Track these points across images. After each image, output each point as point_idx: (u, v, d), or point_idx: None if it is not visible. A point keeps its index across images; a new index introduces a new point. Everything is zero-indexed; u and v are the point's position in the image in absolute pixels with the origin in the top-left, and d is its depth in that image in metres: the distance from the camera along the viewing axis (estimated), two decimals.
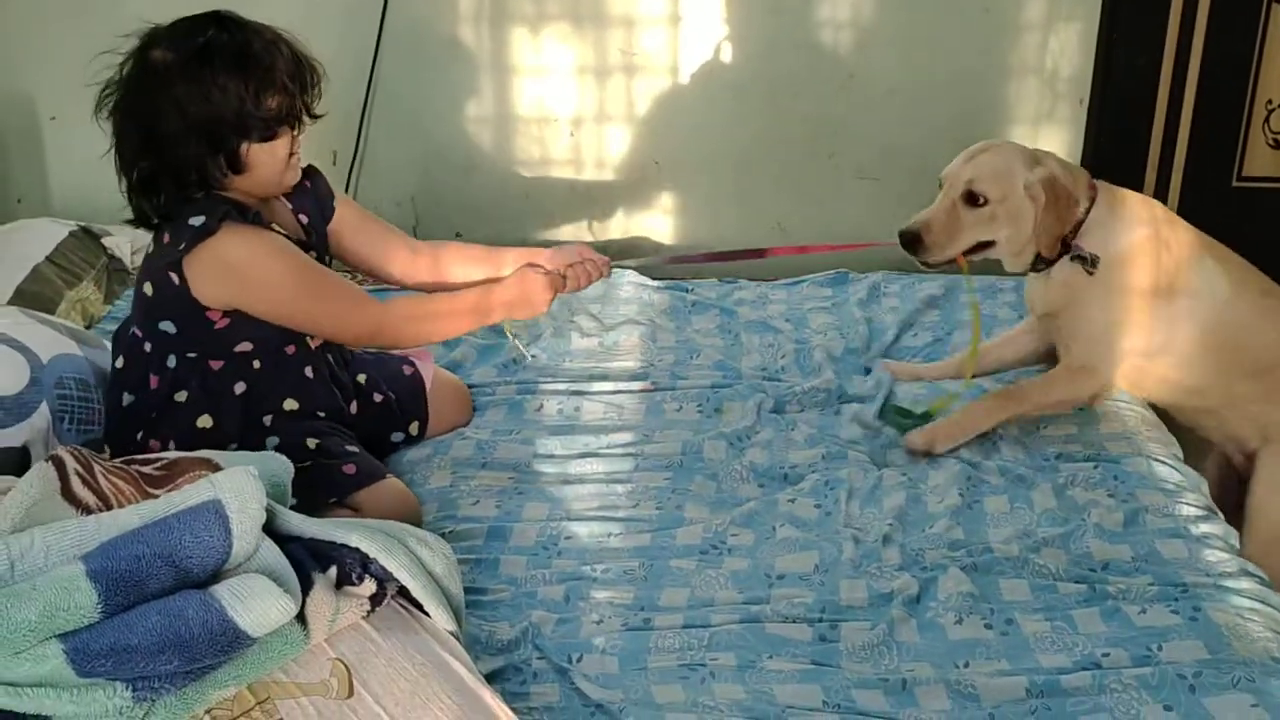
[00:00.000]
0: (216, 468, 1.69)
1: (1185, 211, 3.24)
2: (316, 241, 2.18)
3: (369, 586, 1.53)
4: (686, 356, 2.65)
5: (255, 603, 1.38)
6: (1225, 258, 2.36)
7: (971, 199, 2.25)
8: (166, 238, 2.01)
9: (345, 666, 1.47)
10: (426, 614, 1.58)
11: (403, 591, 1.57)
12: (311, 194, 2.19)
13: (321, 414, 2.17)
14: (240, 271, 1.98)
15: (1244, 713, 1.60)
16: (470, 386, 2.51)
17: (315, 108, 2.05)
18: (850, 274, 3.01)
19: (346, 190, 3.41)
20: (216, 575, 1.44)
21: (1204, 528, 2.02)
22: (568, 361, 2.63)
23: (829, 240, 3.17)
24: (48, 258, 2.86)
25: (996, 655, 1.75)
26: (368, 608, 1.53)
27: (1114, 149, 3.27)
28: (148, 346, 2.09)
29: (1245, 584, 1.87)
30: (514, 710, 1.50)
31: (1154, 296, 2.29)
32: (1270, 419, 2.32)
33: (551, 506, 2.13)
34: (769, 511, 2.09)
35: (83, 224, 3.10)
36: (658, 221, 3.44)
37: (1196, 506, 2.08)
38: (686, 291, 2.93)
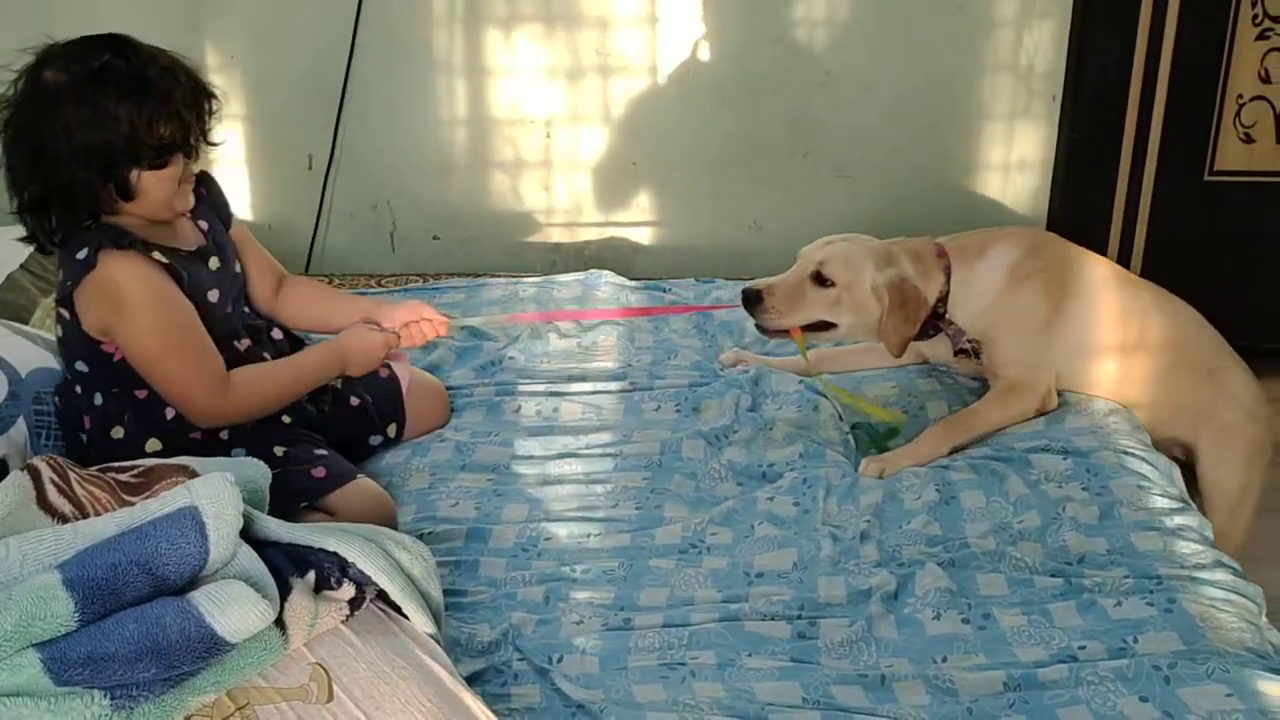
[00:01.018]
0: (194, 474, 1.69)
1: (1158, 206, 3.29)
2: (218, 247, 2.14)
3: (347, 590, 1.53)
4: (664, 356, 2.66)
5: (233, 609, 1.37)
6: (1101, 261, 2.44)
7: (820, 279, 2.30)
8: (61, 273, 2.02)
9: (325, 671, 1.46)
10: (406, 617, 1.58)
11: (382, 595, 1.57)
12: (208, 200, 2.17)
13: (285, 418, 2.16)
14: (114, 297, 1.96)
15: (1219, 702, 1.61)
16: (448, 388, 2.51)
17: (211, 134, 2.04)
18: None
19: (323, 193, 3.41)
20: (194, 582, 1.43)
21: (1178, 520, 2.03)
22: (545, 363, 2.63)
23: (808, 237, 3.19)
24: (21, 265, 2.85)
25: (974, 649, 1.76)
26: (346, 612, 1.53)
27: (1087, 145, 3.30)
28: (78, 389, 2.09)
29: (1219, 575, 1.89)
30: (495, 712, 1.50)
31: (1049, 317, 2.34)
32: (1198, 407, 2.40)
33: (531, 508, 2.14)
34: (747, 510, 2.10)
35: None
36: (636, 222, 3.44)
37: (1169, 499, 2.10)
38: (664, 291, 2.93)
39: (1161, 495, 2.10)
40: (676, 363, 2.64)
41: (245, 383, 2.06)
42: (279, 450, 2.08)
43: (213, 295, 2.09)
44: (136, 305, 1.96)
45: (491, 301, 2.90)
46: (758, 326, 2.35)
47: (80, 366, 2.07)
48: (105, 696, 1.31)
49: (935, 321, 2.36)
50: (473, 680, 1.67)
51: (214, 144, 2.05)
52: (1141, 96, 3.23)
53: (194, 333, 2.02)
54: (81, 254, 1.95)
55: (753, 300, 2.30)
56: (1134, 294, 2.42)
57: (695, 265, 3.24)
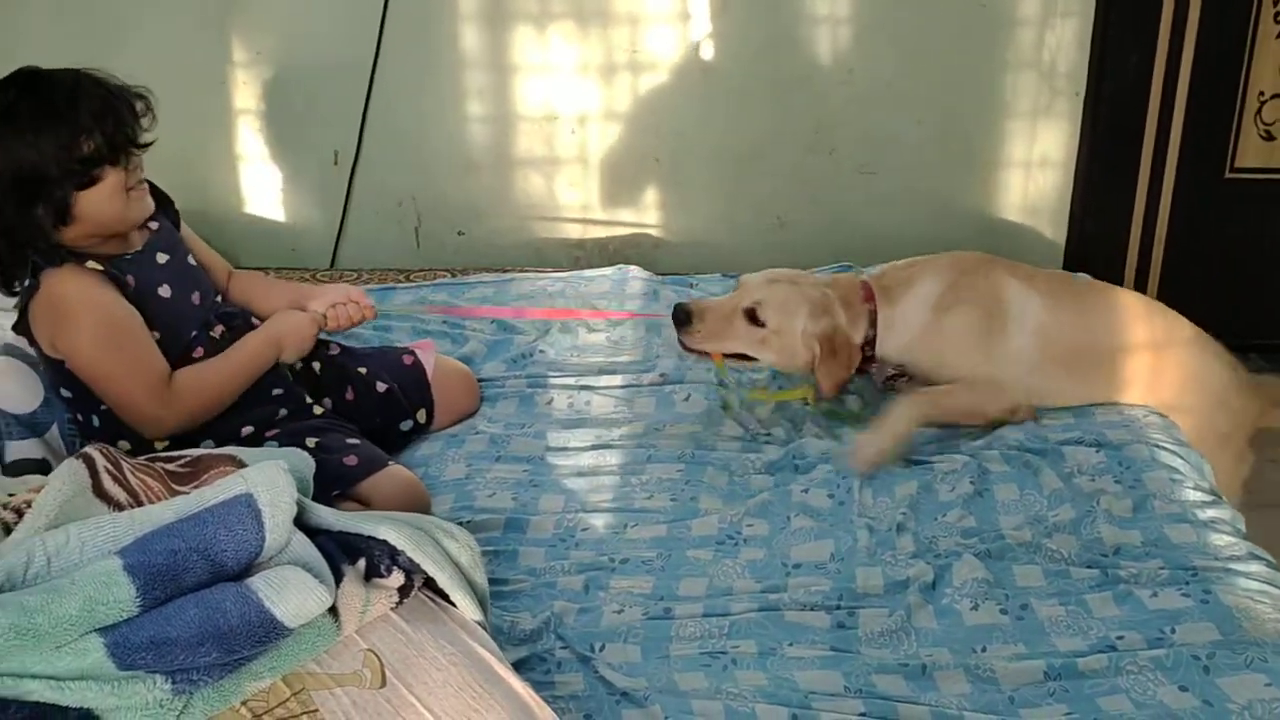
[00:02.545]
0: (240, 464, 1.70)
1: (1179, 203, 3.30)
2: (165, 243, 2.15)
3: (397, 578, 1.54)
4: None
5: (291, 594, 1.39)
6: (1031, 275, 2.42)
7: (752, 317, 2.31)
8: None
9: (377, 657, 1.48)
10: (453, 604, 1.59)
11: (429, 583, 1.59)
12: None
13: (278, 390, 2.17)
14: (54, 312, 2.00)
15: (1258, 692, 1.63)
16: (480, 381, 2.53)
17: (143, 136, 2.03)
18: (854, 266, 3.03)
19: (348, 189, 3.42)
20: (249, 568, 1.45)
21: (1210, 513, 2.05)
22: (575, 356, 2.65)
23: (831, 233, 3.22)
24: None
25: (1013, 639, 1.78)
26: (396, 599, 1.55)
27: (1109, 143, 3.31)
28: (79, 416, 2.12)
29: (1254, 567, 1.90)
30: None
31: (983, 338, 2.34)
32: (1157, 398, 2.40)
33: (567, 498, 2.15)
34: (783, 502, 2.12)
35: None
36: (659, 218, 3.46)
37: (1201, 492, 2.11)
38: (690, 286, 2.95)
39: (1194, 489, 2.11)
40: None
41: (185, 385, 2.07)
42: (310, 441, 2.09)
43: (164, 291, 2.10)
44: (73, 314, 1.99)
45: (520, 296, 2.91)
46: (680, 341, 2.35)
47: (65, 393, 2.10)
48: (166, 681, 1.33)
49: (863, 363, 2.37)
50: (517, 667, 1.67)
51: (142, 146, 2.03)
52: (1163, 94, 3.24)
53: (133, 337, 2.03)
54: (26, 280, 2.00)
55: (682, 320, 2.31)
56: (1060, 303, 2.39)
57: (718, 261, 3.25)
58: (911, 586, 1.88)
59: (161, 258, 2.12)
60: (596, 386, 2.53)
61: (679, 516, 2.10)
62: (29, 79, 1.98)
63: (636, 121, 3.36)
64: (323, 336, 2.28)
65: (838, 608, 1.85)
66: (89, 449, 1.61)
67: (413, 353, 2.42)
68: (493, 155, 3.42)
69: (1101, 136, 3.31)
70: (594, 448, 2.32)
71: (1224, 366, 2.44)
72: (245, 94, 3.37)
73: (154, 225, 2.14)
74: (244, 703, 1.39)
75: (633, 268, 3.01)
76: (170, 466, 1.72)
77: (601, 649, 1.77)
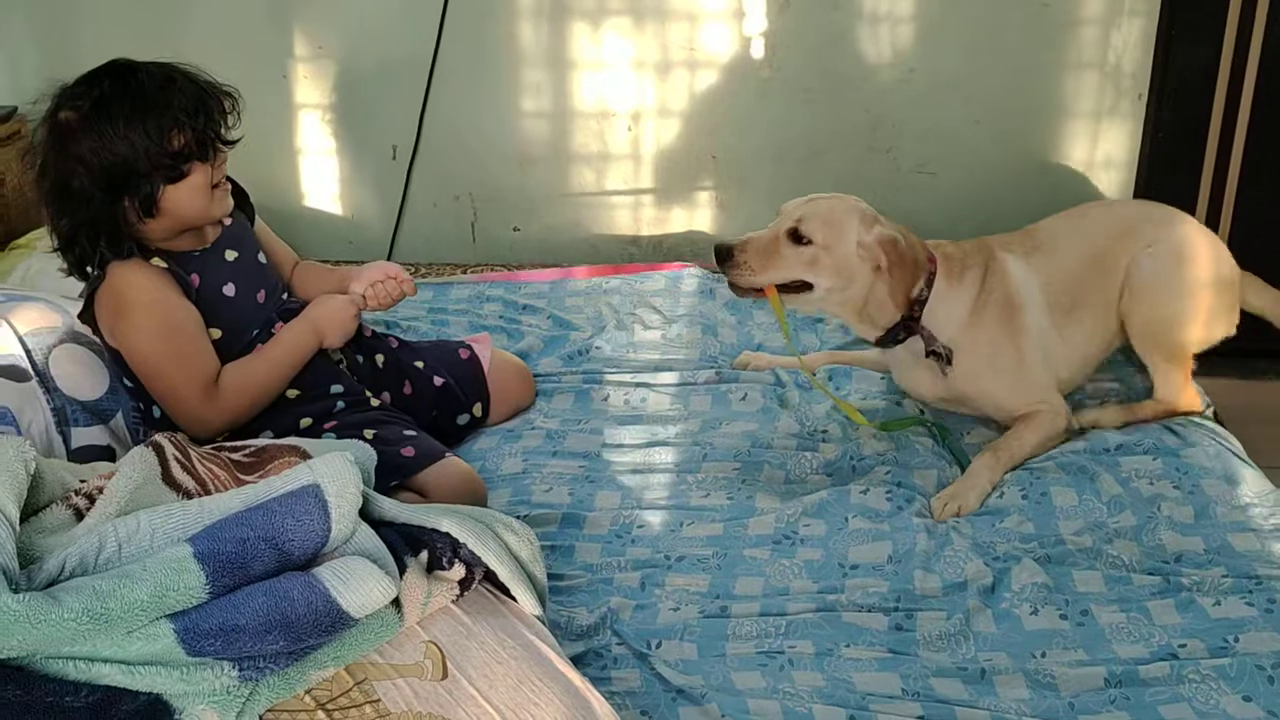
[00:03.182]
0: (305, 455, 1.72)
1: (1243, 204, 3.25)
2: (236, 239, 2.18)
3: (458, 571, 1.56)
4: (750, 348, 2.67)
5: (357, 584, 1.40)
6: (1011, 242, 2.42)
7: (796, 236, 2.19)
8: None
9: (438, 649, 1.49)
10: (512, 598, 1.60)
11: (488, 576, 1.60)
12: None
13: (336, 386, 2.19)
14: (115, 305, 2.03)
15: None
16: (536, 376, 2.54)
17: (230, 133, 2.07)
18: None
19: (406, 183, 3.45)
20: (315, 558, 1.47)
21: (1273, 521, 2.02)
22: (631, 353, 2.65)
23: None
24: None
25: (1073, 645, 1.76)
26: (457, 592, 1.56)
27: (1172, 143, 3.26)
28: (141, 406, 2.15)
29: None
30: None
31: (1014, 341, 2.31)
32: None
33: (623, 495, 2.16)
34: (840, 502, 2.11)
35: None
36: (714, 216, 3.45)
37: (1262, 499, 2.08)
38: None
39: (1254, 496, 2.08)
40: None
41: (230, 384, 2.08)
42: (368, 433, 2.11)
43: (228, 289, 2.12)
44: (132, 310, 2.02)
45: (576, 293, 2.93)
46: (730, 285, 2.23)
47: (127, 383, 2.13)
48: (234, 668, 1.35)
49: (909, 323, 2.27)
50: (574, 662, 1.69)
51: (229, 143, 2.08)
52: (1228, 94, 3.19)
53: (187, 338, 2.06)
54: (94, 272, 2.04)
55: (724, 256, 2.19)
56: (1046, 252, 2.39)
57: None
58: (970, 590, 1.87)
59: (230, 254, 2.15)
60: (652, 384, 2.53)
61: (735, 515, 2.10)
62: (122, 71, 2.00)
63: (693, 119, 3.36)
64: (367, 317, 2.30)
65: (895, 609, 1.85)
66: (158, 437, 1.64)
67: (469, 347, 2.43)
68: (549, 151, 3.42)
69: (1165, 137, 3.26)
70: (649, 445, 2.32)
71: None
72: (307, 88, 3.40)
73: (227, 221, 2.17)
74: (308, 691, 1.41)
75: (691, 266, 3.00)
76: (236, 456, 1.74)
77: (658, 646, 1.78)
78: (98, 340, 2.16)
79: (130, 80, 1.99)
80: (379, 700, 1.42)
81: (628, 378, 2.55)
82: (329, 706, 1.41)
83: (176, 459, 1.60)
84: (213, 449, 1.75)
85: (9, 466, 1.43)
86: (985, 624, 1.81)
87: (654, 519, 2.09)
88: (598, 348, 2.66)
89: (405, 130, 3.40)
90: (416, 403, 2.31)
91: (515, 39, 3.32)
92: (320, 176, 3.49)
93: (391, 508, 1.59)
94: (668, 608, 1.86)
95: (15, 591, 1.30)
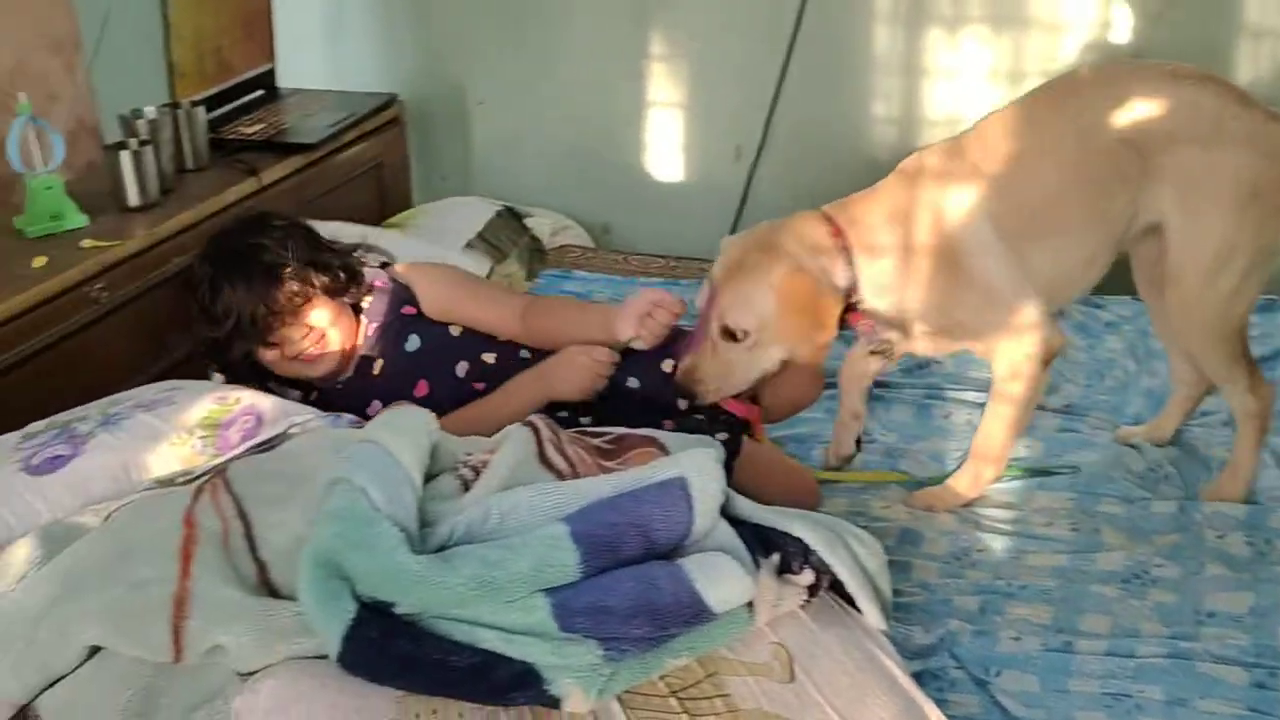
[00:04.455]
0: (661, 446, 1.78)
1: None
2: (386, 344, 2.18)
3: (808, 577, 1.57)
4: (1097, 378, 2.58)
5: (721, 579, 1.45)
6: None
7: (730, 335, 1.95)
8: None
9: (786, 651, 1.51)
10: (857, 609, 1.60)
11: (834, 585, 1.60)
12: (385, 295, 2.21)
13: None
14: None
15: None
16: (877, 384, 2.51)
17: (349, 285, 2.16)
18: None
19: (747, 185, 3.49)
20: (676, 549, 1.52)
21: None
22: (974, 370, 2.59)
23: None
24: (479, 234, 3.09)
25: None
26: (805, 597, 1.58)
27: None
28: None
29: None
30: None
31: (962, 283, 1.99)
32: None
33: (961, 517, 2.12)
34: (1195, 545, 2.00)
35: (507, 204, 3.32)
36: None
37: None
38: (1099, 309, 2.83)
39: None
40: (1109, 384, 2.55)
41: (460, 415, 2.06)
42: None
43: (374, 408, 2.11)
44: None
45: None
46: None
47: None
48: (600, 646, 1.41)
49: (850, 315, 2.01)
50: None
51: (347, 289, 2.16)
52: None
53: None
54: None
55: (689, 394, 2.02)
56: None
57: (1126, 284, 3.08)
58: None
59: (378, 366, 2.16)
60: None
61: (1080, 548, 2.02)
62: (254, 227, 2.16)
63: None
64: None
65: (1257, 665, 1.73)
66: (534, 418, 1.73)
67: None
68: (896, 158, 3.38)
69: None
70: None
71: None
72: (658, 86, 3.50)
73: (372, 329, 2.18)
74: (662, 677, 1.46)
75: None
76: (595, 442, 1.82)
77: (998, 674, 1.74)
78: None
79: (236, 250, 2.12)
80: (729, 694, 1.45)
81: (971, 396, 2.50)
82: (681, 695, 1.45)
83: (550, 440, 1.68)
84: (577, 432, 1.83)
85: (416, 436, 1.55)
86: None
87: (995, 544, 2.05)
88: (938, 362, 2.62)
89: (750, 130, 3.44)
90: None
91: (870, 43, 3.30)
92: (661, 173, 3.58)
93: (747, 507, 1.62)
94: (1008, 636, 1.82)
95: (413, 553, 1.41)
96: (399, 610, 1.40)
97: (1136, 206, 2.00)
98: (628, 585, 1.42)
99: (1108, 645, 1.79)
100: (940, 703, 1.67)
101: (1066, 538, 2.06)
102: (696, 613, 1.43)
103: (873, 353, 2.18)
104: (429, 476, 1.58)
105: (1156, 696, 1.69)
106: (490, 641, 1.39)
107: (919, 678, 1.72)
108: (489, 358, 2.17)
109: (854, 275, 1.99)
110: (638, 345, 2.09)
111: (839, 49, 3.32)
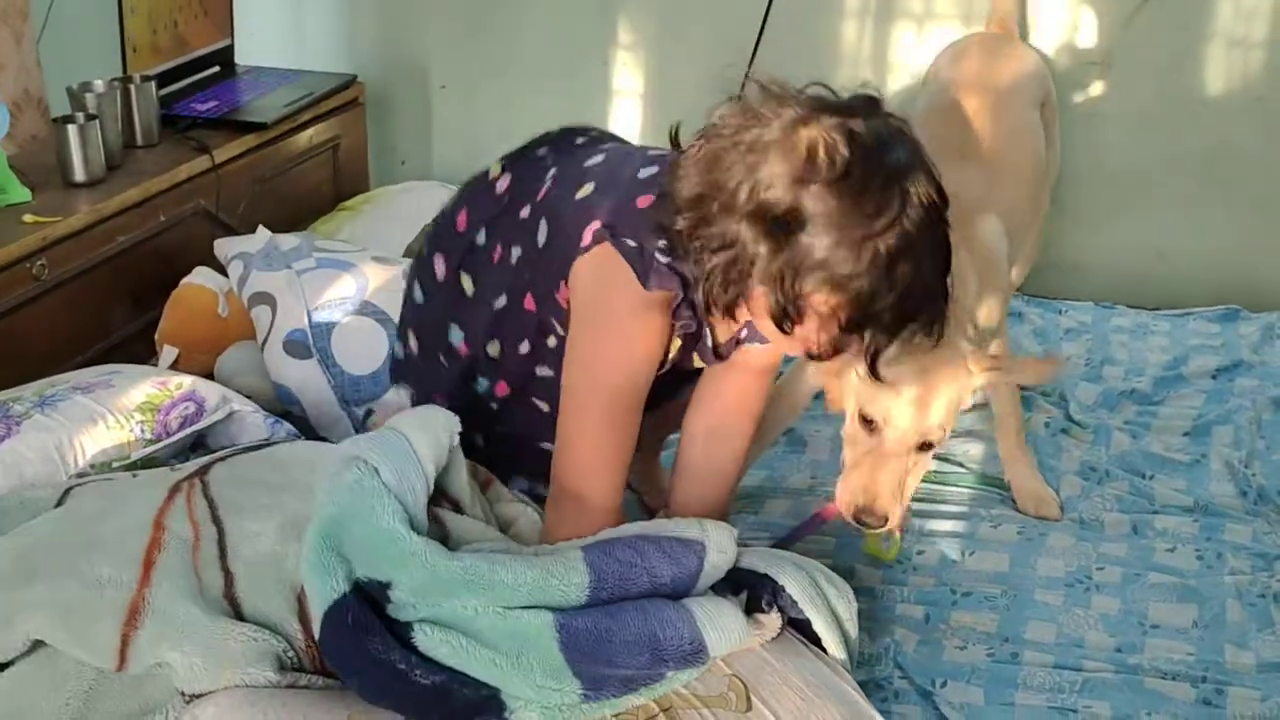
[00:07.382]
0: None
1: None
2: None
3: (775, 620, 1.58)
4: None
5: (723, 624, 1.48)
6: None
7: (926, 448, 1.73)
8: None
9: (742, 682, 1.50)
10: (822, 649, 1.60)
11: (794, 622, 1.60)
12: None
13: None
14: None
15: None
16: None
17: None
18: (1241, 310, 2.82)
19: None
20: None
21: None
22: None
23: (1217, 272, 3.00)
24: (434, 220, 3.02)
25: None
26: (768, 637, 1.57)
27: None
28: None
29: None
30: None
31: None
32: None
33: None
34: (1140, 558, 2.00)
35: None
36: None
37: None
38: (1059, 314, 2.82)
39: None
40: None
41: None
42: None
43: None
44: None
45: None
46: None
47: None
48: (581, 687, 1.42)
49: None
50: None
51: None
52: None
53: (629, 409, 1.67)
54: None
55: (871, 524, 1.70)
56: None
57: (1089, 288, 3.08)
58: None
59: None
60: None
61: (1024, 552, 2.02)
62: None
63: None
64: None
65: (1203, 681, 1.73)
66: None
67: None
68: None
69: None
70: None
71: None
72: (623, 74, 3.46)
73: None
74: (615, 715, 1.45)
75: None
76: None
77: (943, 685, 1.73)
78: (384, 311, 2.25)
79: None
80: None
81: None
82: None
83: None
84: None
85: (435, 434, 1.57)
86: None
87: (937, 547, 2.03)
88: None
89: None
90: None
91: (839, 36, 3.27)
92: None
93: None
94: (953, 645, 1.80)
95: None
96: (396, 595, 1.42)
97: None
98: (632, 614, 1.46)
99: (1055, 658, 1.77)
100: (883, 713, 1.66)
101: (1011, 540, 2.05)
102: (695, 652, 1.46)
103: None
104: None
105: (1104, 713, 1.68)
106: (465, 657, 1.39)
107: (863, 687, 1.70)
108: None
109: None
110: None
111: (807, 40, 3.29)
